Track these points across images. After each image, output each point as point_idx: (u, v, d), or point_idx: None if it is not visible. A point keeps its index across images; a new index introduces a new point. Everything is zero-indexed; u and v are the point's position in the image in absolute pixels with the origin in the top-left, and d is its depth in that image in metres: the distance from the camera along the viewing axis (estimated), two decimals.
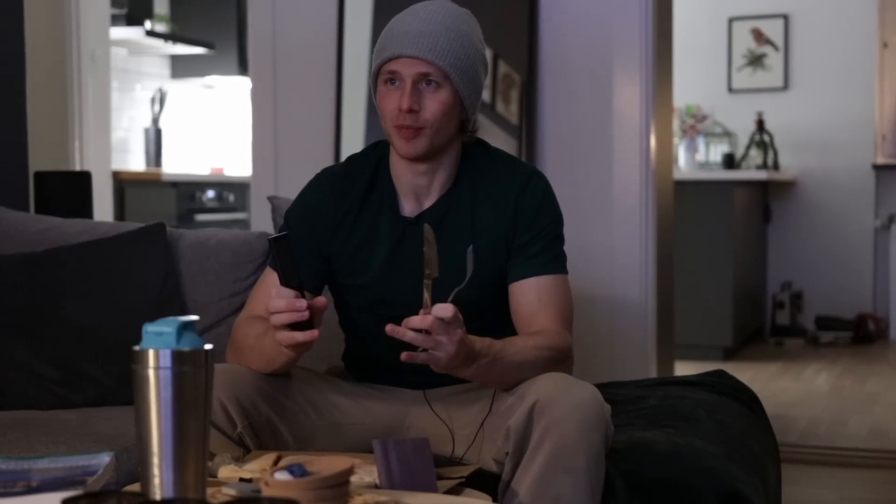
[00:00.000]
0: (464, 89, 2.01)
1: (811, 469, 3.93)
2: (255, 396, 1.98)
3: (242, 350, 2.03)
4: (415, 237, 2.06)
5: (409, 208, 2.09)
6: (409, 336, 1.76)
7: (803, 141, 7.25)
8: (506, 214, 2.06)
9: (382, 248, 2.07)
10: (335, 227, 2.09)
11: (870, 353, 6.59)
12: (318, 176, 2.16)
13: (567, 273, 2.09)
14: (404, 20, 2.02)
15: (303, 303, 1.81)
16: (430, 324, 1.75)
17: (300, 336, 1.82)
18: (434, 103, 1.99)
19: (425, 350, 1.78)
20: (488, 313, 2.04)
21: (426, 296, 1.79)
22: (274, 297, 1.82)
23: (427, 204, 2.08)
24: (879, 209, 7.18)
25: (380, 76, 2.04)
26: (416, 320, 1.76)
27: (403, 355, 1.78)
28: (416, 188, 2.08)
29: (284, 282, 1.82)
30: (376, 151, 2.14)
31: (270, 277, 2.09)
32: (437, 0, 2.06)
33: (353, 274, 2.10)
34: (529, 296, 2.04)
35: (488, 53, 2.18)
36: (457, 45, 1.99)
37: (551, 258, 2.06)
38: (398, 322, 1.77)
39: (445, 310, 1.77)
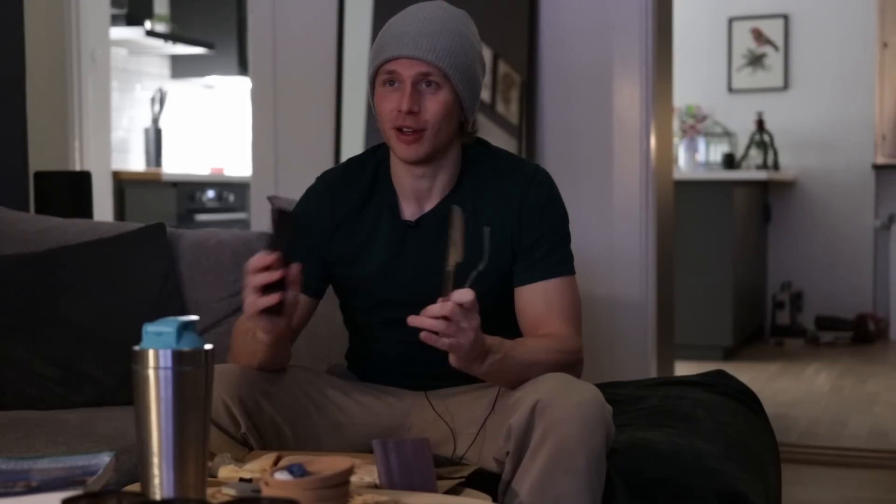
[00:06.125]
0: (463, 90, 2.00)
1: (811, 469, 3.93)
2: (259, 396, 1.98)
3: (232, 345, 2.04)
4: (415, 241, 2.05)
5: (409, 211, 2.08)
6: (428, 324, 1.73)
7: (803, 141, 7.25)
8: (510, 216, 2.04)
9: (382, 252, 2.06)
10: (334, 232, 2.09)
11: (870, 353, 6.59)
12: (317, 180, 2.16)
13: (574, 273, 2.07)
14: (402, 21, 2.00)
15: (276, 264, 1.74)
16: (449, 311, 1.72)
17: (263, 300, 1.76)
18: (434, 104, 1.98)
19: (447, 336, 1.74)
20: (495, 315, 2.00)
21: (448, 282, 1.73)
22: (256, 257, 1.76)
23: (428, 207, 2.07)
24: (879, 209, 7.18)
25: (378, 77, 2.01)
26: (435, 308, 1.72)
27: (423, 335, 1.74)
28: (416, 192, 2.06)
29: (278, 254, 1.75)
30: (377, 154, 2.13)
31: None
32: (434, 1, 2.05)
33: (353, 278, 2.09)
34: (536, 301, 2.03)
35: (488, 53, 2.17)
36: (456, 46, 1.98)
37: (558, 260, 2.05)
38: (401, 323, 1.75)
39: (465, 294, 1.73)
